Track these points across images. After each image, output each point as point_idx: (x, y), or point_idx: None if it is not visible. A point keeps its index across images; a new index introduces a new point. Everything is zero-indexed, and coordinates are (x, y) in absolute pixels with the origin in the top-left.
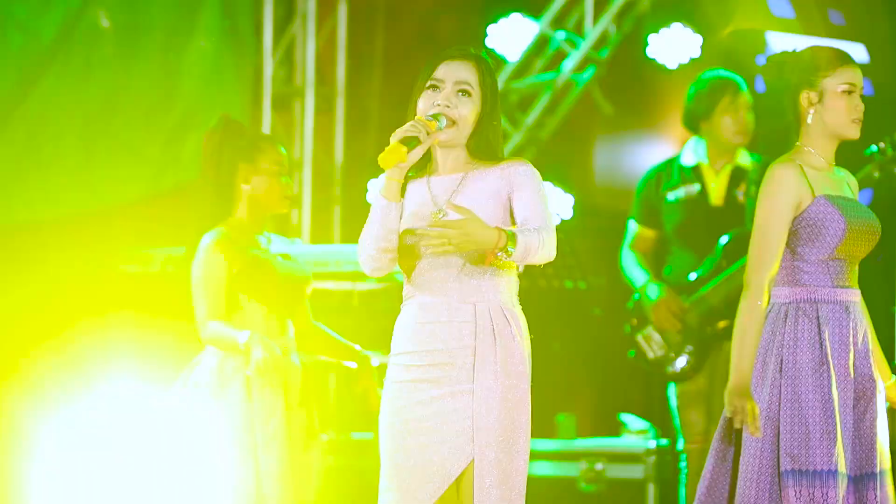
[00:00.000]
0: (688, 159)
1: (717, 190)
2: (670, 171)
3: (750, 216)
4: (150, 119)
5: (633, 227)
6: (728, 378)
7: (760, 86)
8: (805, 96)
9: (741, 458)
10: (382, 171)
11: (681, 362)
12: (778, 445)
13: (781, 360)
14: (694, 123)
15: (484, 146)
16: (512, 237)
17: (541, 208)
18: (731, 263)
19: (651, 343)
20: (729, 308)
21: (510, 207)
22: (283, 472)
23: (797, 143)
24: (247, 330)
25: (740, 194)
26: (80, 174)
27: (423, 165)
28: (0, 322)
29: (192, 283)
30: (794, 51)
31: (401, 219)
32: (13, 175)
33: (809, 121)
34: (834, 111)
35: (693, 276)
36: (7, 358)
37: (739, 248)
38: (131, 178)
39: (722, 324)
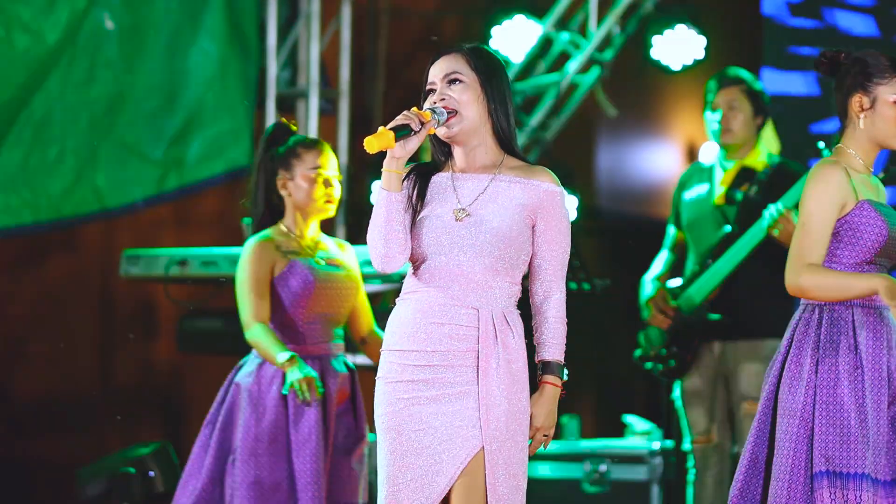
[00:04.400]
0: (706, 159)
1: (720, 189)
2: (693, 173)
3: (742, 216)
4: (154, 121)
5: (670, 229)
6: (719, 378)
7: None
8: (857, 100)
9: (774, 460)
10: (386, 170)
11: (669, 360)
12: (811, 447)
13: (817, 363)
14: None
15: (503, 136)
16: (558, 369)
17: (558, 250)
18: (717, 263)
19: (648, 341)
20: (713, 306)
21: (532, 225)
22: (316, 474)
23: (840, 144)
24: (286, 351)
25: (739, 193)
26: (85, 176)
27: (446, 161)
28: (3, 323)
29: (236, 286)
30: (851, 52)
31: (418, 210)
32: (19, 177)
33: (860, 125)
34: (884, 120)
35: (678, 280)
36: (10, 356)
37: (725, 247)
38: (136, 180)
39: (706, 321)
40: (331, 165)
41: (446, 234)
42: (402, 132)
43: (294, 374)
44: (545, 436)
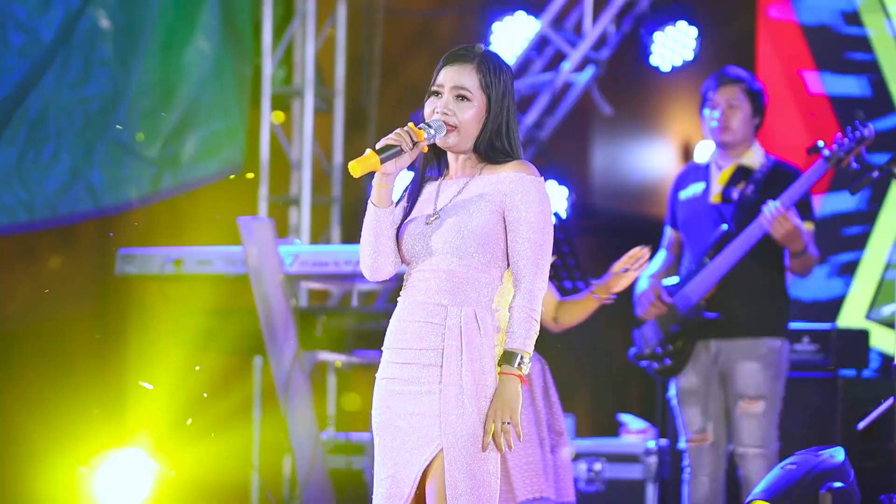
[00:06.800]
0: (701, 158)
1: (716, 188)
2: (689, 172)
3: (739, 215)
4: (149, 119)
5: (666, 230)
6: (716, 377)
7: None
8: None
9: None
10: (375, 185)
11: (665, 358)
12: None
13: None
14: None
15: (490, 148)
16: (521, 361)
17: (528, 237)
18: (713, 261)
19: (643, 339)
20: (709, 305)
21: (502, 217)
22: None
23: None
24: None
25: (735, 192)
26: (81, 174)
27: (438, 163)
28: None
29: None
30: None
31: (405, 219)
32: (14, 175)
33: None
34: None
35: (675, 279)
36: (5, 356)
37: (721, 246)
38: (131, 179)
39: (702, 319)
40: None
41: (419, 239)
42: (389, 152)
43: None
44: (505, 423)
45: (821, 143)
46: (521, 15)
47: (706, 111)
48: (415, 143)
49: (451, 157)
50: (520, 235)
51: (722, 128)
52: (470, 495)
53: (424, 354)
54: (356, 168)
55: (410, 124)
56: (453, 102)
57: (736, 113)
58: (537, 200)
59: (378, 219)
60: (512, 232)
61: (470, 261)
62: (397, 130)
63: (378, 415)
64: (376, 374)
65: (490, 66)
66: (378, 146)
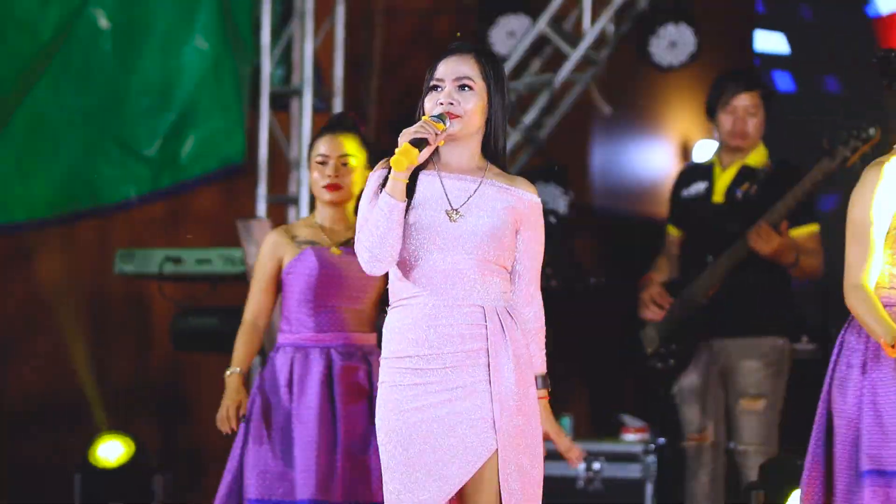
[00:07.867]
0: (705, 157)
1: (720, 188)
2: (690, 171)
3: (742, 214)
4: (148, 119)
5: (668, 230)
6: (716, 376)
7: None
8: None
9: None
10: (394, 179)
11: (668, 358)
12: (858, 447)
13: (865, 364)
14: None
15: (494, 142)
16: (542, 380)
17: (537, 260)
18: (717, 260)
19: (646, 339)
20: (712, 304)
21: (515, 231)
22: (316, 467)
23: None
24: (235, 368)
25: (739, 192)
26: (79, 173)
27: (428, 158)
28: None
29: None
30: None
31: (408, 210)
32: (12, 174)
33: None
34: None
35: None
36: (2, 356)
37: (725, 245)
38: (130, 178)
39: (705, 318)
40: (337, 150)
41: (441, 235)
42: (422, 145)
43: (225, 399)
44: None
45: (825, 143)
46: (519, 14)
47: (722, 115)
48: (436, 135)
49: (451, 150)
50: (533, 256)
51: (738, 132)
52: (522, 491)
53: (468, 356)
54: (402, 162)
55: (425, 117)
56: (457, 92)
57: (753, 119)
58: (542, 224)
59: (394, 213)
60: (527, 251)
61: (491, 264)
62: (420, 123)
63: (400, 419)
64: (382, 381)
65: (487, 57)
66: (410, 139)
